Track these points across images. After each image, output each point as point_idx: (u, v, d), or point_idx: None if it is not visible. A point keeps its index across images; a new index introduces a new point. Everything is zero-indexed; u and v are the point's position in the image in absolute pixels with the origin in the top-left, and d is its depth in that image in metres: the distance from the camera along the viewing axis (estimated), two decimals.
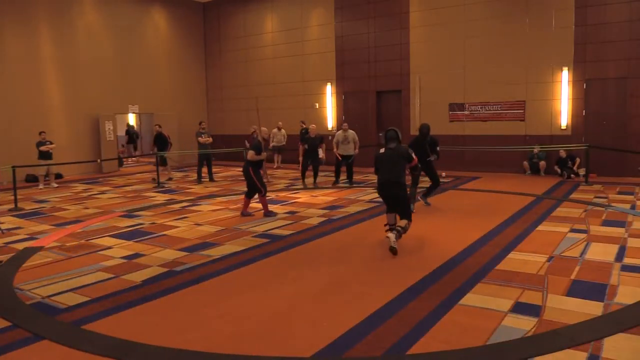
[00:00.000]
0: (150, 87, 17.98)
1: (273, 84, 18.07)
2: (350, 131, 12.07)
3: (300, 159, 11.99)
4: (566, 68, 12.99)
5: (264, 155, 8.45)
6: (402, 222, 6.28)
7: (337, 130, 13.76)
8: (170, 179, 14.00)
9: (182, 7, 19.09)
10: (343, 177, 12.38)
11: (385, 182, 6.28)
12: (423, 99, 15.08)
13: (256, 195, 8.61)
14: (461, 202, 9.54)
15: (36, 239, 7.28)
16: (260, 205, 8.83)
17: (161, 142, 13.96)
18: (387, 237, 6.11)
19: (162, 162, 13.91)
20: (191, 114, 18.91)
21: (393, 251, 5.94)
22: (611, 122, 12.72)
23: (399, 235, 6.10)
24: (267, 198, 8.89)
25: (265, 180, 9.64)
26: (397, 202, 6.32)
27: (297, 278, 5.28)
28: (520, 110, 13.68)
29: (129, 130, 22.37)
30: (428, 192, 9.14)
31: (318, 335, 3.86)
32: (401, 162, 6.33)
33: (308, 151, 11.80)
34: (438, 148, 9.06)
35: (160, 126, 14.41)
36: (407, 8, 15.10)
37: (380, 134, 16.05)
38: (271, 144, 15.73)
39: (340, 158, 11.96)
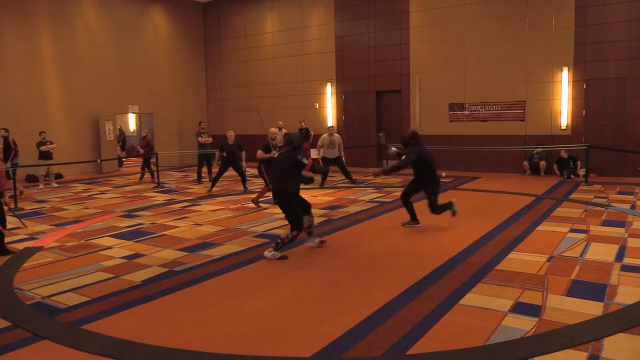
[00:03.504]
0: (150, 87, 17.98)
1: (273, 84, 18.07)
2: (336, 135, 11.99)
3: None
4: (566, 68, 12.99)
5: (273, 153, 8.95)
6: (284, 233, 6.07)
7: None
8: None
9: (182, 7, 19.09)
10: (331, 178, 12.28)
11: (273, 188, 6.13)
12: (423, 99, 15.08)
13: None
14: (461, 202, 9.52)
15: (36, 239, 7.28)
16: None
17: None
18: (309, 245, 6.33)
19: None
20: (191, 114, 18.92)
21: (283, 258, 5.95)
22: (611, 122, 12.72)
23: (276, 247, 5.94)
24: (267, 198, 9.02)
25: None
26: (283, 208, 6.11)
27: (297, 278, 5.28)
28: (520, 110, 13.68)
29: (122, 132, 22.45)
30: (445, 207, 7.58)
31: (318, 335, 3.86)
32: (286, 169, 6.05)
33: (227, 158, 11.15)
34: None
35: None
36: (407, 8, 15.10)
37: (380, 134, 16.07)
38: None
39: (321, 163, 11.79)
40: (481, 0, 13.90)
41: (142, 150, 13.90)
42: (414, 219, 7.59)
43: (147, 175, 13.91)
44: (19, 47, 14.51)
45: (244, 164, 11.49)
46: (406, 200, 7.57)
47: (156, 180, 13.12)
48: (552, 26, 13.09)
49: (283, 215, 8.48)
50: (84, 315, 4.36)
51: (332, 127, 12.38)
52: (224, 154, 11.19)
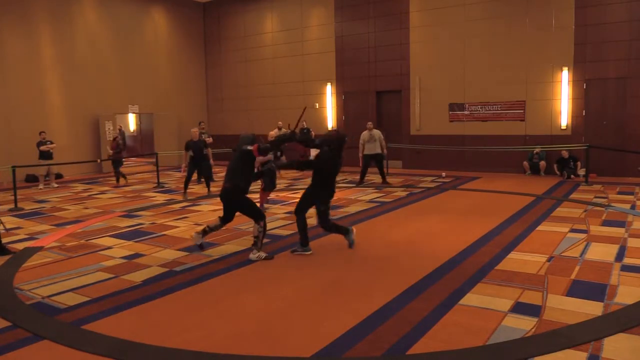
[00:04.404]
0: (150, 87, 17.99)
1: (273, 84, 18.07)
2: (376, 130, 12.00)
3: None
4: (566, 68, 13.00)
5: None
6: (255, 228, 5.90)
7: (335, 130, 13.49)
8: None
9: (182, 7, 19.10)
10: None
11: (224, 186, 5.96)
12: (423, 99, 15.08)
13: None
14: (461, 202, 9.54)
15: (36, 239, 7.28)
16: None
17: None
18: (192, 235, 6.20)
19: None
20: (191, 114, 18.92)
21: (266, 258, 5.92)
22: (611, 122, 12.73)
23: (257, 246, 5.92)
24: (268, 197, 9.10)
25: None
26: (235, 208, 6.00)
27: (297, 278, 5.28)
28: (520, 110, 13.68)
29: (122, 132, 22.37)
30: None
31: (318, 335, 3.86)
32: (238, 164, 5.92)
33: (194, 158, 10.85)
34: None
35: None
36: (407, 8, 15.11)
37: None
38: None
39: (361, 161, 11.84)
40: (481, 0, 13.91)
41: (111, 152, 13.45)
42: (304, 243, 6.18)
43: (122, 177, 13.54)
44: (18, 46, 14.51)
45: (211, 161, 11.34)
46: (302, 217, 6.20)
47: (120, 184, 13.01)
48: (552, 26, 13.09)
49: (283, 215, 8.53)
50: (84, 315, 4.36)
51: (370, 122, 12.30)
52: (191, 153, 10.86)
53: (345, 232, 6.26)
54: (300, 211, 6.14)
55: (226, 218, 6.17)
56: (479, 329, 3.88)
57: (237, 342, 3.81)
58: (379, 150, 11.89)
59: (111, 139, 16.67)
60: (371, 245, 6.53)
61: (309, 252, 6.11)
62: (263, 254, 5.96)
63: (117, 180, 13.49)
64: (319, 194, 6.14)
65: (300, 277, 5.30)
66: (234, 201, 5.96)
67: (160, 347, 3.73)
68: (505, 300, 4.44)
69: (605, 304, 4.31)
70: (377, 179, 12.47)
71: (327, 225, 6.19)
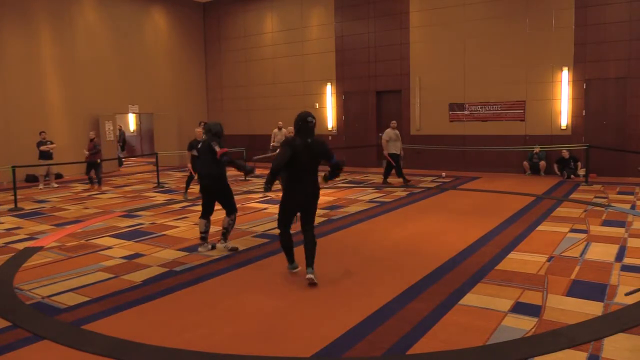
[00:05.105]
0: (150, 87, 17.98)
1: (273, 84, 18.07)
2: (396, 130, 12.09)
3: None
4: (566, 68, 12.99)
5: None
6: (225, 221, 6.30)
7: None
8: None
9: (182, 7, 19.09)
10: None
11: (204, 175, 6.20)
12: (423, 99, 15.08)
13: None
14: (461, 202, 9.54)
15: (36, 239, 7.28)
16: (260, 206, 8.89)
17: None
18: (199, 250, 6.31)
19: None
20: (191, 114, 18.91)
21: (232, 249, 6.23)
22: (611, 122, 12.72)
23: (224, 237, 6.30)
24: (266, 198, 9.04)
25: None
26: (217, 196, 6.21)
27: (297, 278, 5.27)
28: (520, 110, 13.68)
29: (122, 132, 22.35)
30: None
31: (318, 335, 3.86)
32: (208, 155, 6.14)
33: (197, 157, 10.61)
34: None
35: None
36: (407, 8, 15.10)
37: (380, 134, 16.05)
38: (272, 144, 15.72)
39: (390, 158, 11.88)
40: (481, 0, 13.91)
41: (87, 153, 12.82)
42: (290, 260, 5.40)
43: (97, 183, 12.74)
44: (19, 47, 14.50)
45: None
46: (286, 231, 5.28)
47: (102, 189, 12.33)
48: (552, 26, 13.09)
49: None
50: (84, 315, 4.36)
51: (394, 122, 12.33)
52: (194, 153, 10.19)
53: (290, 261, 5.38)
54: (283, 224, 5.23)
55: (206, 213, 6.33)
56: (479, 329, 3.89)
57: (237, 342, 3.81)
58: (399, 151, 11.95)
59: (111, 138, 16.70)
60: (371, 245, 6.53)
61: (295, 270, 5.34)
62: (230, 244, 6.28)
63: (91, 183, 12.68)
64: (290, 196, 5.08)
65: (300, 277, 5.29)
66: (218, 188, 6.16)
67: (160, 347, 3.73)
68: (505, 300, 4.44)
69: (605, 304, 4.31)
70: (377, 178, 12.48)
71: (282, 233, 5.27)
